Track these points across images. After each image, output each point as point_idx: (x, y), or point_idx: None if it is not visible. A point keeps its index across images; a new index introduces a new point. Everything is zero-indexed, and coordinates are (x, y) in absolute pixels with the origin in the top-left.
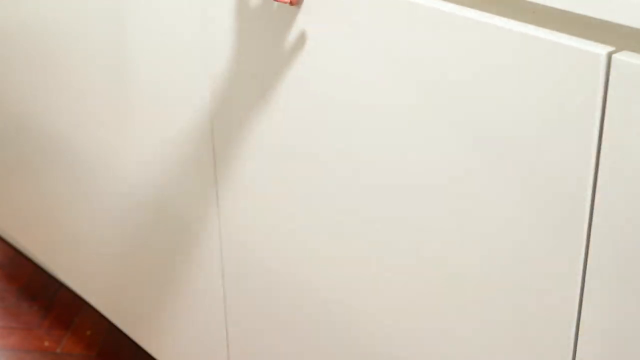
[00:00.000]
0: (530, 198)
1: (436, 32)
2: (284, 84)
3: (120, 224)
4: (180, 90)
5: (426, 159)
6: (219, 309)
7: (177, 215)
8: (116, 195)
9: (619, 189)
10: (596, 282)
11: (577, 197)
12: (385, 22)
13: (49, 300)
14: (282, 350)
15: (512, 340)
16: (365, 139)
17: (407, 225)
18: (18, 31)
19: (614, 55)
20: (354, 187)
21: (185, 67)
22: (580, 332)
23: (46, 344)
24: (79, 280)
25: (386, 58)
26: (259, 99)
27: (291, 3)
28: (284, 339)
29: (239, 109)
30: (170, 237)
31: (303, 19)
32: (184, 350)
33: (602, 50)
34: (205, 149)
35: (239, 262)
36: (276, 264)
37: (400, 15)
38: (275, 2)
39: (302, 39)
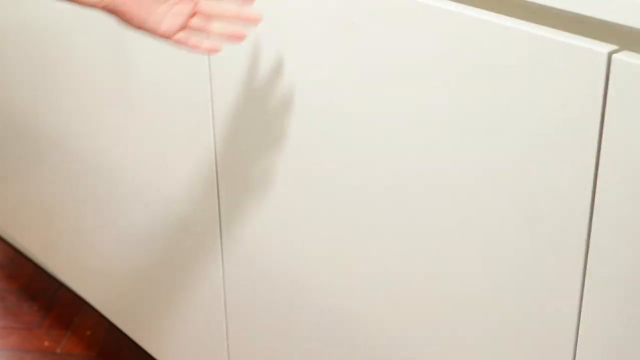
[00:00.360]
0: (529, 198)
1: (437, 31)
2: (287, 86)
3: (120, 224)
4: (182, 91)
5: (427, 159)
6: (219, 309)
7: (177, 216)
8: (116, 195)
9: (619, 188)
10: (596, 282)
11: (577, 196)
12: (385, 22)
13: (49, 300)
14: (281, 351)
15: (512, 340)
16: (366, 145)
17: (408, 230)
18: (19, 31)
19: (614, 55)
20: (356, 191)
21: (186, 66)
22: (580, 332)
23: (46, 344)
24: (79, 280)
25: (387, 59)
26: (262, 100)
27: (209, 52)
28: (283, 339)
29: (241, 109)
30: (170, 237)
31: (304, 22)
32: (184, 350)
33: (604, 48)
34: (206, 149)
35: (239, 262)
36: (276, 266)
37: (402, 14)
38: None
39: (302, 41)
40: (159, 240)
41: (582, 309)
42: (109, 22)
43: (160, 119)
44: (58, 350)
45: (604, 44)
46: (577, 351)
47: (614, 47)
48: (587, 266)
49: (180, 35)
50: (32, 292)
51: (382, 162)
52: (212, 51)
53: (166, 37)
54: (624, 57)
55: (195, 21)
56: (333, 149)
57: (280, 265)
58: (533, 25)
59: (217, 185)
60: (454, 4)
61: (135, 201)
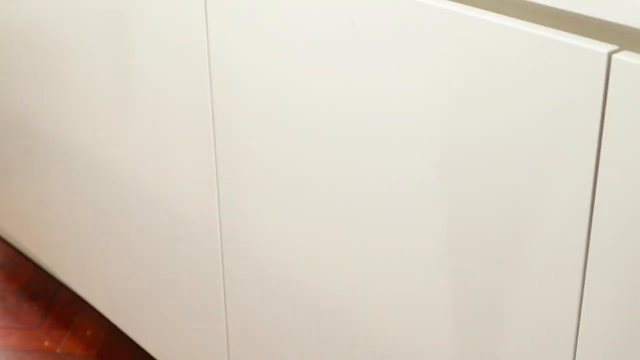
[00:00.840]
0: (529, 197)
1: (437, 31)
2: (287, 85)
3: (121, 224)
4: (182, 91)
5: (426, 159)
6: (219, 309)
7: (177, 216)
8: (116, 195)
9: (618, 188)
10: (596, 282)
11: (577, 196)
12: (385, 22)
13: (49, 300)
14: (282, 351)
15: (512, 340)
16: (367, 145)
17: (408, 230)
18: (20, 31)
19: (614, 55)
20: (357, 191)
21: (186, 66)
22: (580, 332)
23: (46, 344)
24: (79, 280)
25: (386, 59)
26: (262, 100)
27: None
28: (284, 339)
29: (241, 109)
30: (170, 237)
31: (303, 22)
32: (184, 350)
33: (604, 48)
34: (206, 150)
35: (239, 262)
36: (276, 265)
37: (402, 14)
38: None
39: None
40: (159, 240)
41: (582, 309)
42: (112, 24)
43: (160, 119)
44: (58, 350)
45: (604, 44)
46: (577, 351)
47: (614, 47)
48: (587, 266)
49: None
50: (32, 292)
51: (382, 162)
52: None
53: None
54: (624, 57)
55: None
56: (334, 149)
57: (280, 265)
58: (533, 25)
59: (218, 185)
60: (454, 4)
61: (135, 201)
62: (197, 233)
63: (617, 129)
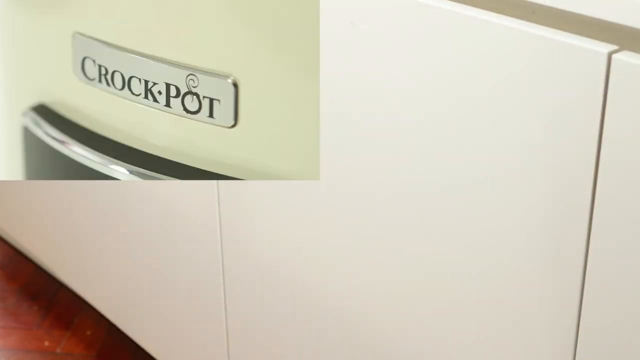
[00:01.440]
0: (529, 197)
1: (437, 31)
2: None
3: (121, 224)
4: None
5: (425, 159)
6: (219, 309)
7: (177, 216)
8: (115, 195)
9: (618, 189)
10: (596, 282)
11: (577, 197)
12: (385, 22)
13: (49, 300)
14: (282, 351)
15: (512, 340)
16: (365, 145)
17: (407, 230)
18: None
19: (614, 55)
20: (356, 192)
21: None
22: (580, 332)
23: (46, 344)
24: (79, 280)
25: (386, 59)
26: None
27: None
28: (284, 339)
29: None
30: (170, 237)
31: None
32: (184, 350)
33: (604, 48)
34: None
35: (239, 262)
36: (276, 266)
37: (402, 14)
38: None
39: None
40: (159, 240)
41: (582, 309)
42: None
43: None
44: (58, 350)
45: (604, 44)
46: (577, 351)
47: (614, 47)
48: (587, 266)
49: None
50: (32, 292)
51: (382, 162)
52: None
53: None
54: (624, 57)
55: None
56: (334, 149)
57: (280, 265)
58: (533, 25)
59: (217, 185)
60: (454, 4)
61: (135, 201)
62: (197, 233)
63: (617, 129)
